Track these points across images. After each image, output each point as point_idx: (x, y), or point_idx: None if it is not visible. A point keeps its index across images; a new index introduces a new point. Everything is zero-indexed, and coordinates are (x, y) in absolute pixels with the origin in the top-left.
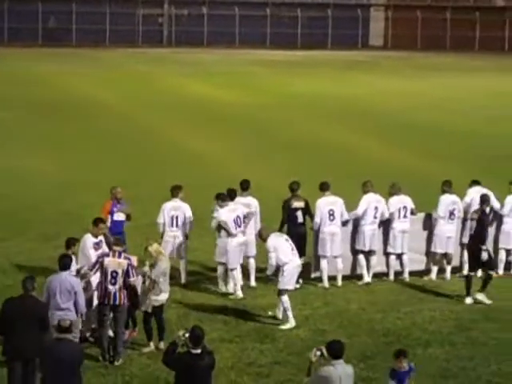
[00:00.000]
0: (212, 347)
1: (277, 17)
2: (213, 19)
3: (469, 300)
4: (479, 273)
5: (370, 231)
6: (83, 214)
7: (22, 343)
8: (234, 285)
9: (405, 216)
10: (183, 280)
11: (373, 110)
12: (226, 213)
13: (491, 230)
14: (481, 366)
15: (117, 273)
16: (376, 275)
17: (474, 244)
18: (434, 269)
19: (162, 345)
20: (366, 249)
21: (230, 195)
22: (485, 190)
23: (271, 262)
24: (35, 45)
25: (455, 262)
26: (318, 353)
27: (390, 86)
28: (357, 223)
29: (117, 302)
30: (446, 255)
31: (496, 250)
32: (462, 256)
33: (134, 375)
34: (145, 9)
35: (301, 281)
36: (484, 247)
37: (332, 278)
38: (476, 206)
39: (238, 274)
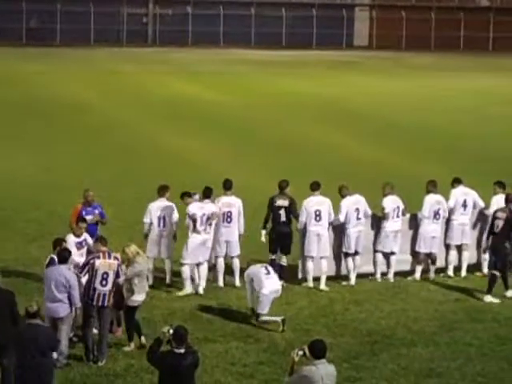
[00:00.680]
0: (196, 347)
1: (261, 16)
2: (197, 19)
3: (489, 298)
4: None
5: (355, 233)
6: (66, 215)
7: None
8: (184, 280)
9: (397, 216)
10: (168, 280)
11: (357, 109)
12: (195, 209)
13: (475, 232)
14: (465, 366)
15: (108, 274)
16: (362, 275)
17: (501, 242)
18: (419, 268)
19: (143, 339)
20: (352, 251)
21: (206, 193)
22: (467, 190)
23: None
24: (19, 44)
25: (440, 262)
26: (301, 352)
27: (375, 85)
28: (342, 226)
29: (105, 303)
30: (430, 255)
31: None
32: (446, 256)
33: (118, 375)
34: (129, 8)
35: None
36: (508, 245)
37: (317, 279)
38: (459, 208)
39: (187, 269)
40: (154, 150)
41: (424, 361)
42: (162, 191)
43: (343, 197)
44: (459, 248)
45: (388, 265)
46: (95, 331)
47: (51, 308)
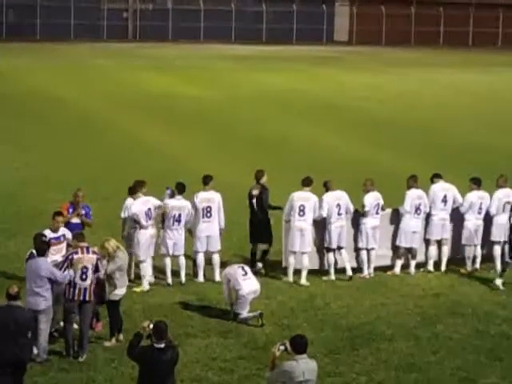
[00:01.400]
0: (176, 342)
1: (241, 12)
2: (178, 14)
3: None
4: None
5: (337, 228)
6: (45, 210)
7: None
8: (143, 277)
9: (377, 212)
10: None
11: (337, 104)
12: (139, 205)
13: (453, 227)
14: (445, 360)
15: (87, 268)
16: (342, 270)
17: None
18: (399, 263)
19: (121, 336)
20: (334, 246)
21: (179, 188)
22: (447, 185)
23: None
24: None
25: (420, 257)
26: (282, 347)
27: (355, 81)
28: (323, 221)
29: (86, 298)
30: (410, 250)
31: (459, 246)
32: (426, 251)
33: (99, 371)
34: (109, 3)
35: (261, 265)
36: None
37: (298, 272)
38: (440, 203)
39: (148, 266)
40: (134, 145)
41: (404, 355)
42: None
43: (326, 190)
44: (439, 243)
45: (369, 260)
46: (76, 326)
47: (31, 301)
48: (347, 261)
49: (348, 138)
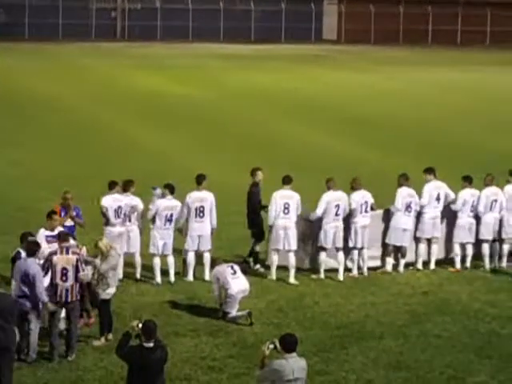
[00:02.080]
0: (165, 341)
1: (230, 10)
2: (166, 13)
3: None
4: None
5: (333, 229)
6: (37, 209)
7: None
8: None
9: (366, 211)
10: (138, 274)
11: (326, 103)
12: (109, 200)
13: (443, 226)
14: (434, 358)
15: (67, 269)
16: (332, 269)
17: None
18: (389, 261)
19: (110, 336)
20: (329, 246)
21: (169, 189)
22: (439, 183)
23: (214, 293)
24: None
25: (409, 256)
26: (271, 346)
27: (344, 79)
28: (319, 221)
29: (69, 299)
30: (400, 248)
31: (451, 246)
32: (416, 249)
33: (88, 370)
34: (98, 3)
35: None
36: None
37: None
38: (433, 201)
39: None
40: (124, 144)
41: (393, 353)
42: (127, 186)
43: (328, 189)
44: (429, 241)
45: (362, 260)
46: (63, 327)
47: (19, 301)
48: (342, 264)
49: (337, 137)
